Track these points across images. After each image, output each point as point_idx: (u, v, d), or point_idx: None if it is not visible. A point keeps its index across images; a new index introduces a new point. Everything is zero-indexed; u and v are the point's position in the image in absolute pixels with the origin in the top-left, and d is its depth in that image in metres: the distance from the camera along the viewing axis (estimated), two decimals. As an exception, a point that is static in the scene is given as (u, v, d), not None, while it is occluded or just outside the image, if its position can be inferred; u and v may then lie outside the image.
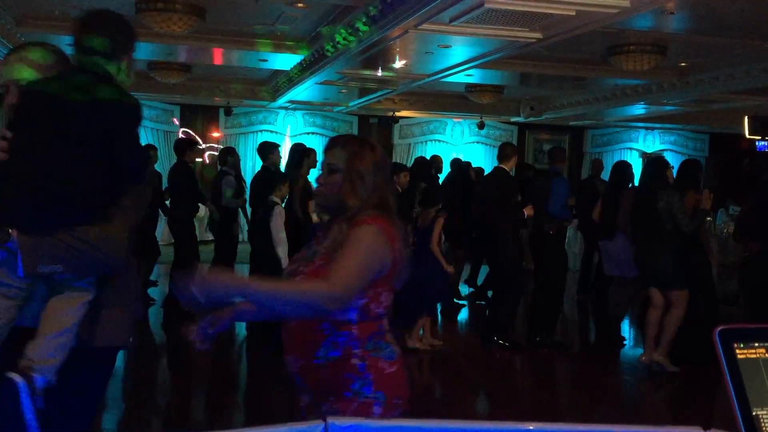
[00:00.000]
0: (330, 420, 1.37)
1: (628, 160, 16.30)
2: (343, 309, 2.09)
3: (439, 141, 16.02)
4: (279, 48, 8.89)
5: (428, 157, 10.88)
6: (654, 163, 6.36)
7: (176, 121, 14.28)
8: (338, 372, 2.13)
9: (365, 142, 2.30)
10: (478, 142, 16.04)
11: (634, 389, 6.23)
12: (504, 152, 6.99)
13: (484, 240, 7.15)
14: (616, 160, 15.91)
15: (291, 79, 10.67)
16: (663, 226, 5.86)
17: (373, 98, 12.26)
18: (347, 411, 2.12)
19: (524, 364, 6.58)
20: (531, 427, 1.56)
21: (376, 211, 2.17)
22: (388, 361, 2.18)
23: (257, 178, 7.58)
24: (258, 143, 14.20)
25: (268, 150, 7.78)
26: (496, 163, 7.06)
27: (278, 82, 11.80)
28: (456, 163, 9.74)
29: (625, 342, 7.21)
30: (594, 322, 8.16)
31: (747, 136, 12.53)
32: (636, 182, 7.21)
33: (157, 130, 14.35)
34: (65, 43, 9.36)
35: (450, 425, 1.45)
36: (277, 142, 8.65)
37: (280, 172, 7.39)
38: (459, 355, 6.84)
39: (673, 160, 16.90)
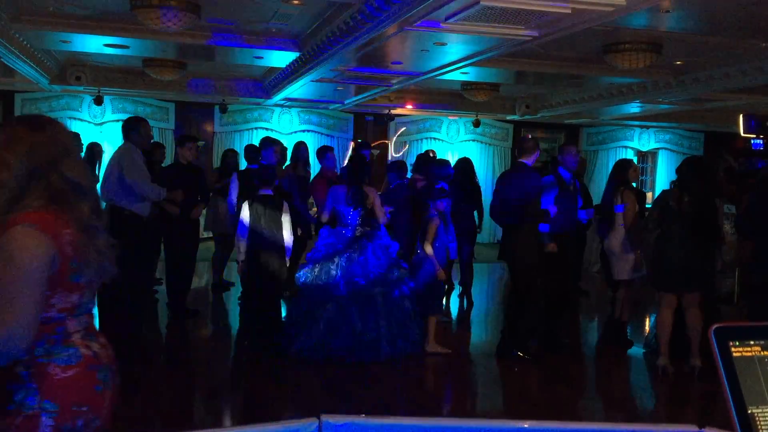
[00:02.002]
0: (324, 417, 1.36)
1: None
2: (35, 337, 1.86)
3: (434, 139, 16.01)
4: (274, 45, 8.86)
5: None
6: (693, 163, 6.12)
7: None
8: (3, 383, 1.90)
9: (21, 122, 2.03)
10: (473, 140, 16.04)
11: (629, 388, 6.23)
12: (525, 146, 6.49)
13: (505, 242, 6.63)
14: (611, 158, 16.05)
15: (286, 76, 10.65)
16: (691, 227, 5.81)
17: (369, 96, 12.25)
18: (11, 429, 1.88)
19: (517, 363, 6.57)
20: (526, 425, 1.56)
21: (37, 202, 1.92)
22: (62, 366, 1.93)
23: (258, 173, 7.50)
24: (253, 140, 14.21)
25: (265, 146, 7.77)
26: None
27: (273, 79, 11.78)
28: (460, 163, 9.15)
29: (632, 343, 7.15)
30: (590, 323, 8.16)
31: (741, 134, 12.56)
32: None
33: (151, 127, 14.31)
34: (59, 39, 9.28)
35: (444, 423, 1.45)
36: (278, 139, 8.57)
37: (274, 166, 7.40)
38: (458, 356, 6.83)
39: (669, 159, 17.10)
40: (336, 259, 6.14)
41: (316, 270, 6.19)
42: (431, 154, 10.49)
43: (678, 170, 6.08)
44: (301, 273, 6.33)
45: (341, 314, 5.97)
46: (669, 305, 6.00)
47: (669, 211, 5.88)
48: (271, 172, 6.58)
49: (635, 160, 16.73)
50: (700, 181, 5.87)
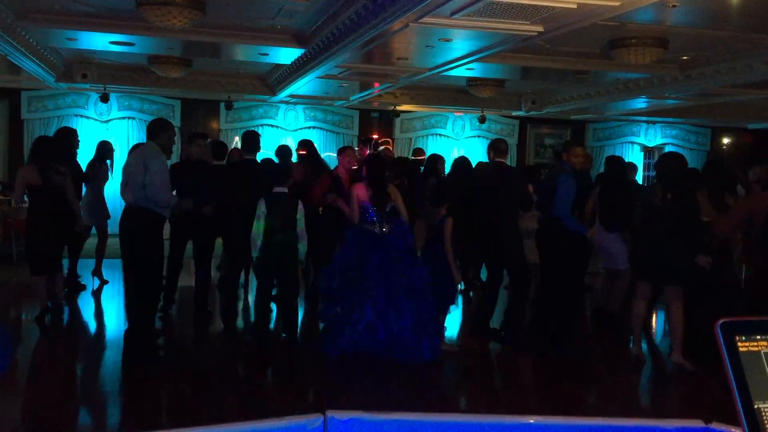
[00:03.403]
0: (329, 413, 1.36)
1: (630, 154, 16.44)
2: None
3: (440, 135, 16.01)
4: (279, 42, 8.87)
5: (429, 153, 10.92)
6: (672, 159, 6.15)
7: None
8: None
9: None
10: (479, 137, 16.03)
11: (634, 383, 6.22)
12: (503, 147, 6.94)
13: (489, 237, 6.83)
14: (617, 153, 16.02)
15: (292, 72, 10.66)
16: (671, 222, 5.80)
17: (374, 92, 12.24)
18: None
19: (523, 359, 6.57)
20: (532, 421, 1.56)
21: None
22: None
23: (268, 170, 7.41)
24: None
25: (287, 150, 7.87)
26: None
27: (279, 76, 11.79)
28: (458, 161, 8.99)
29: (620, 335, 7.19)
30: (592, 317, 8.13)
31: None
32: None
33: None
34: (65, 37, 9.28)
35: (450, 419, 1.45)
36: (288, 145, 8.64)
37: (290, 164, 7.42)
38: (461, 351, 6.84)
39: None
40: (369, 260, 6.07)
41: (349, 271, 6.11)
42: (418, 155, 10.54)
43: (656, 167, 6.18)
44: (330, 275, 6.23)
45: (378, 315, 5.91)
46: (642, 296, 6.11)
47: (652, 207, 5.91)
48: (287, 171, 6.58)
49: (642, 155, 16.72)
50: (681, 176, 5.91)
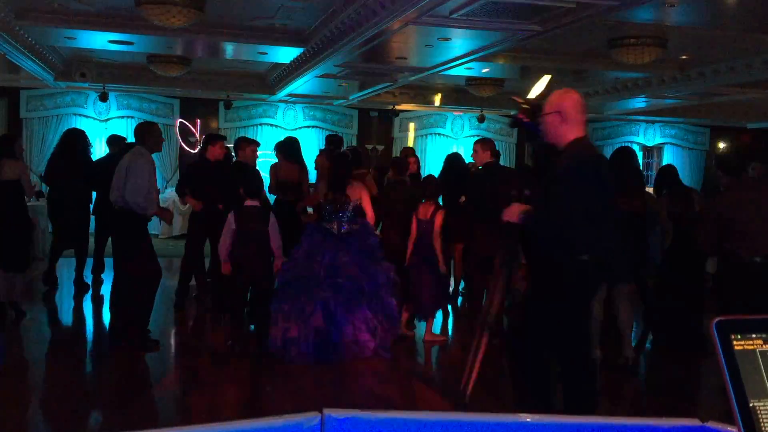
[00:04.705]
0: (326, 412, 1.36)
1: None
2: None
3: (439, 134, 16.01)
4: (278, 41, 8.87)
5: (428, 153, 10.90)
6: (620, 156, 6.21)
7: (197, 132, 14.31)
8: None
9: None
10: (478, 136, 16.01)
11: (632, 381, 6.23)
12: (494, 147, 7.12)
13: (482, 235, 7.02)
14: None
15: (291, 71, 10.66)
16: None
17: (373, 91, 12.24)
18: None
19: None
20: (528, 419, 1.57)
21: None
22: None
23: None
24: (257, 136, 14.24)
25: (241, 146, 7.80)
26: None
27: (278, 75, 11.79)
28: (450, 158, 8.96)
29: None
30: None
31: None
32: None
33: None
34: (64, 36, 9.23)
35: (447, 417, 1.45)
36: (256, 140, 8.45)
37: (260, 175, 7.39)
38: (455, 347, 6.85)
39: (675, 154, 17.03)
40: (320, 258, 5.87)
41: (299, 268, 5.92)
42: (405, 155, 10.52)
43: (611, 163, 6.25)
44: (283, 270, 6.03)
45: (329, 317, 5.72)
46: (599, 298, 5.99)
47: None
48: (259, 182, 6.41)
49: (641, 155, 16.72)
50: (630, 174, 5.93)
